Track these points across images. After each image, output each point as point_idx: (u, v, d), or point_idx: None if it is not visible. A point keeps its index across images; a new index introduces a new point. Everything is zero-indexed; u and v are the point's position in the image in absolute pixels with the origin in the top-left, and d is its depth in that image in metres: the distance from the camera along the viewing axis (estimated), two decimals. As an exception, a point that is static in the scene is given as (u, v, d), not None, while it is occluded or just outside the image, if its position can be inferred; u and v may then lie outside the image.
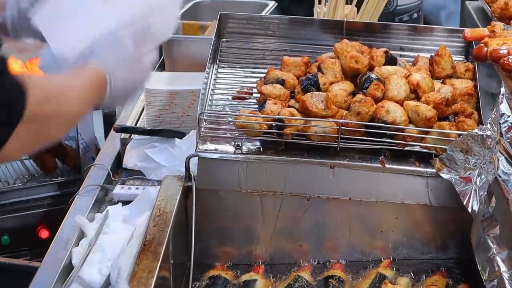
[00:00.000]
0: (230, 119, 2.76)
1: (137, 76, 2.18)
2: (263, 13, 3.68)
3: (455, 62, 2.99)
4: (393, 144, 2.68)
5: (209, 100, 2.87)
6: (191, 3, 3.98)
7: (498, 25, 2.39)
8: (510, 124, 2.45)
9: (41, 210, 4.25)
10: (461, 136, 2.61)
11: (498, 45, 2.20)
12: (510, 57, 2.09)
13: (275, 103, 2.76)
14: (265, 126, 2.70)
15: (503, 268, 2.20)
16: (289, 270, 2.72)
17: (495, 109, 2.58)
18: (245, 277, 2.67)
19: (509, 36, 2.32)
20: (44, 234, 4.19)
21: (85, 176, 3.04)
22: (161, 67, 3.69)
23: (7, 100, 1.78)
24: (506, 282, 2.14)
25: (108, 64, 2.09)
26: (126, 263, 2.34)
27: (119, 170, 3.05)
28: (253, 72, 3.07)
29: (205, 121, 2.74)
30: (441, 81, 2.93)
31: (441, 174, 2.61)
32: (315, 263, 2.76)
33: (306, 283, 2.63)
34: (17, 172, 4.42)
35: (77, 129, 4.09)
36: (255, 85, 2.94)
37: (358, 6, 3.50)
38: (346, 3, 3.57)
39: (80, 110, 2.05)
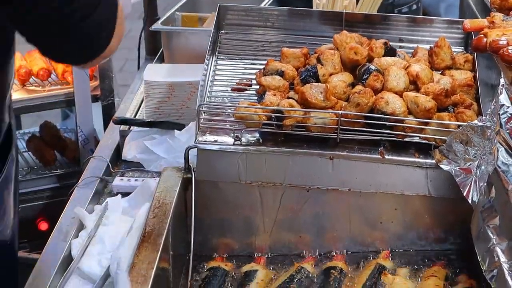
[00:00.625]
0: (229, 110, 2.76)
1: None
2: (262, 5, 3.67)
3: (455, 53, 2.98)
4: (393, 135, 2.68)
5: (208, 92, 2.87)
6: (190, -5, 3.98)
7: (498, 16, 2.39)
8: (510, 115, 2.45)
9: (40, 202, 4.26)
10: (460, 127, 2.61)
11: (498, 36, 2.20)
12: (510, 47, 2.09)
13: (274, 95, 2.75)
14: (264, 118, 2.70)
15: (502, 258, 2.20)
16: (290, 261, 2.72)
17: (494, 100, 2.58)
18: (246, 267, 2.68)
19: (509, 27, 2.31)
20: (43, 226, 4.20)
21: (84, 168, 3.04)
22: (160, 59, 3.69)
23: (111, 5, 2.17)
24: (506, 272, 2.14)
25: None
26: (125, 255, 2.33)
27: (118, 162, 3.05)
28: (252, 64, 3.06)
29: (204, 112, 2.74)
30: (440, 72, 2.93)
31: (441, 165, 2.61)
32: (317, 254, 2.75)
33: (308, 274, 2.63)
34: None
35: (76, 122, 4.10)
36: (254, 76, 2.93)
37: (357, -3, 3.50)
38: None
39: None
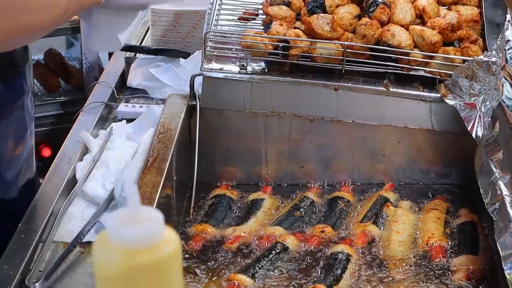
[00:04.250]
0: (235, 39, 2.74)
1: None
2: None
3: (463, -13, 2.97)
4: (398, 68, 2.68)
5: (215, 20, 2.85)
6: None
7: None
8: (516, 50, 2.45)
9: (44, 128, 4.27)
10: (466, 62, 2.61)
11: (508, -32, 2.18)
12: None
13: (281, 24, 2.74)
14: (270, 47, 2.69)
15: (505, 191, 2.21)
16: (296, 191, 2.73)
17: (500, 36, 2.58)
18: (253, 196, 2.68)
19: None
20: (46, 152, 4.21)
21: (89, 94, 3.03)
22: (167, -12, 3.66)
23: None
24: (508, 205, 2.14)
25: None
26: (129, 178, 2.34)
27: (123, 89, 3.05)
28: (259, -7, 3.03)
29: (210, 40, 2.72)
30: (446, 7, 2.91)
31: (446, 100, 2.61)
32: (322, 184, 2.77)
33: (313, 202, 2.64)
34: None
35: (81, 49, 4.08)
36: (261, 6, 2.92)
37: None
38: None
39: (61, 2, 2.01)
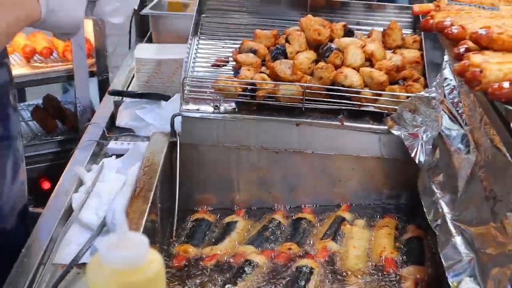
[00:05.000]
0: (209, 83, 2.74)
1: (73, 6, 2.04)
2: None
3: (404, 35, 2.99)
4: (351, 105, 2.69)
5: (191, 67, 2.87)
6: (174, -16, 3.96)
7: (443, 1, 2.39)
8: (452, 87, 2.46)
9: (43, 164, 4.25)
10: (409, 98, 2.62)
11: (443, 17, 2.19)
12: (453, 27, 2.08)
13: (249, 70, 2.75)
14: (240, 89, 2.70)
15: (446, 210, 2.21)
16: (264, 214, 2.74)
17: (439, 74, 2.59)
18: (228, 219, 2.68)
19: (452, 10, 2.31)
20: (45, 185, 4.18)
21: (83, 133, 3.02)
22: (149, 40, 3.67)
23: None
24: (449, 221, 2.15)
25: None
26: (119, 207, 2.31)
27: (112, 128, 3.03)
28: (230, 43, 3.04)
29: (188, 85, 2.73)
30: (392, 51, 2.93)
31: (392, 131, 2.62)
32: (288, 207, 2.77)
33: (279, 223, 2.64)
34: (22, 132, 4.39)
35: (75, 94, 4.07)
36: (231, 54, 2.93)
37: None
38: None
39: (9, 23, 1.87)
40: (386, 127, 2.64)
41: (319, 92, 2.69)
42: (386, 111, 2.67)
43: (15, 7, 1.90)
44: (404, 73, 2.77)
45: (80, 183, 2.55)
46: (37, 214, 2.45)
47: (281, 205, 2.77)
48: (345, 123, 2.67)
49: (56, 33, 2.15)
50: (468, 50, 1.96)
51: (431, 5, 2.40)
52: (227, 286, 2.26)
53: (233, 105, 2.73)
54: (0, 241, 2.16)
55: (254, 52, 2.86)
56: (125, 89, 3.28)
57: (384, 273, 2.36)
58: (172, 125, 2.70)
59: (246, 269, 2.34)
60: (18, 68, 4.30)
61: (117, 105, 3.10)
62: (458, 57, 1.97)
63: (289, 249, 2.46)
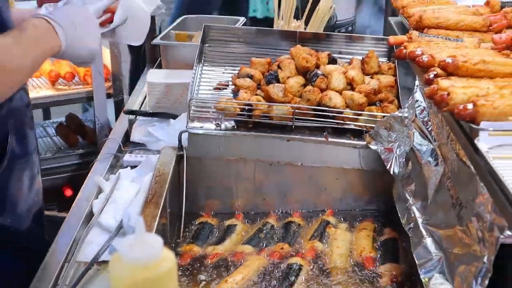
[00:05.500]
0: (212, 104, 2.74)
1: (89, 35, 2.05)
2: (237, 25, 3.66)
3: (381, 62, 2.99)
4: (334, 123, 2.69)
5: (196, 90, 2.86)
6: (181, 18, 3.96)
7: (414, 33, 2.39)
8: (423, 108, 2.47)
9: (66, 174, 4.24)
10: (385, 117, 2.63)
11: (415, 47, 2.20)
12: (423, 56, 2.09)
13: (246, 92, 2.75)
14: (238, 109, 2.70)
15: (417, 214, 2.22)
16: (260, 218, 2.73)
17: (411, 97, 2.60)
18: (228, 222, 2.67)
19: (423, 41, 2.32)
20: (68, 192, 4.17)
21: (101, 148, 3.02)
22: (159, 66, 3.67)
23: None
24: (420, 225, 2.15)
25: (58, 21, 1.94)
26: (134, 211, 2.32)
27: (127, 143, 3.03)
28: (229, 69, 3.04)
29: (193, 105, 2.72)
30: (370, 76, 2.93)
31: (370, 146, 2.63)
32: (279, 212, 2.76)
33: (273, 226, 2.63)
34: (47, 146, 4.41)
35: (94, 113, 4.07)
36: (231, 79, 2.93)
37: (308, 20, 3.49)
38: (297, 19, 3.56)
39: (31, 61, 1.87)
40: (365, 143, 2.64)
41: (307, 112, 2.69)
42: (365, 129, 2.67)
43: (38, 42, 1.90)
44: (380, 96, 2.78)
45: (100, 190, 2.55)
46: (61, 218, 2.45)
47: (274, 210, 2.76)
48: (330, 139, 2.67)
49: (75, 62, 2.16)
50: (436, 76, 1.98)
51: (404, 37, 2.42)
52: (230, 279, 2.26)
53: (233, 123, 2.73)
54: (16, 238, 2.15)
55: (251, 77, 2.86)
56: (138, 109, 3.28)
57: (364, 270, 2.36)
58: (179, 140, 2.70)
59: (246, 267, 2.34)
60: (44, 90, 4.30)
61: (131, 123, 3.10)
62: (428, 82, 1.98)
63: (282, 248, 2.45)
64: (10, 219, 2.10)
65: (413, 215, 2.23)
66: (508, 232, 1.56)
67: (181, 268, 2.34)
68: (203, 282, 2.28)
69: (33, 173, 2.21)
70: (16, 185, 2.11)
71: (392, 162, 2.57)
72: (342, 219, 2.70)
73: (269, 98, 2.70)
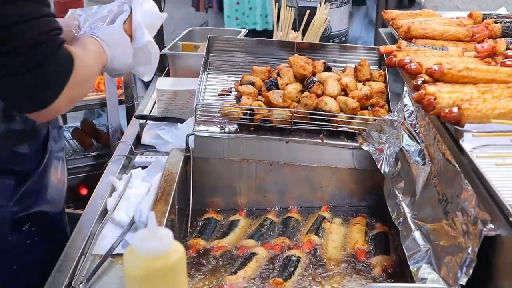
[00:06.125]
0: (216, 109, 2.75)
1: (123, 55, 2.17)
2: (239, 36, 3.66)
3: (372, 70, 2.99)
4: (330, 126, 2.69)
5: (202, 96, 2.86)
6: (188, 30, 3.96)
7: (403, 43, 2.40)
8: (411, 111, 2.47)
9: (81, 175, 4.23)
10: (376, 120, 2.63)
11: (403, 56, 2.21)
12: (412, 64, 2.10)
13: (248, 98, 2.76)
14: (241, 114, 2.71)
15: (406, 210, 2.22)
16: (261, 214, 2.73)
17: (400, 102, 2.61)
18: (232, 217, 2.68)
19: (411, 50, 2.33)
20: (83, 191, 4.16)
21: (114, 150, 3.01)
22: (167, 74, 3.67)
23: (62, 68, 1.81)
24: (409, 219, 2.15)
25: (104, 40, 2.08)
26: (145, 208, 2.33)
27: (138, 145, 3.03)
28: (232, 77, 3.05)
29: (199, 110, 2.73)
30: (362, 83, 2.93)
31: (363, 147, 2.63)
32: (278, 208, 2.76)
33: (272, 221, 2.64)
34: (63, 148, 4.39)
35: (107, 118, 4.07)
36: (234, 86, 2.93)
37: (304, 31, 3.50)
38: (295, 30, 3.57)
39: (97, 73, 2.06)
40: (358, 144, 2.65)
41: (304, 116, 2.69)
42: (357, 131, 2.68)
43: (98, 55, 2.05)
44: (372, 101, 2.78)
45: (113, 189, 2.55)
46: (78, 215, 2.45)
47: (274, 207, 2.76)
48: (325, 141, 2.67)
49: (111, 74, 2.27)
50: (424, 82, 1.99)
51: (393, 47, 2.43)
52: (238, 271, 2.26)
53: (236, 126, 2.73)
54: (52, 221, 2.20)
55: (252, 84, 2.87)
56: (148, 114, 3.28)
57: (357, 261, 2.36)
58: (186, 142, 2.70)
59: (250, 258, 2.34)
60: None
61: (141, 126, 3.10)
62: (416, 88, 1.99)
63: (283, 242, 2.46)
64: (49, 204, 2.15)
65: (402, 210, 2.23)
66: (490, 225, 1.57)
67: (188, 260, 2.34)
68: (209, 272, 2.28)
69: (64, 165, 2.28)
70: (53, 176, 2.17)
71: (382, 161, 2.57)
72: (336, 215, 2.70)
73: (269, 103, 2.70)
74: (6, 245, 2.02)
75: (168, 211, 2.28)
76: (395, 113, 2.61)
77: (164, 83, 3.26)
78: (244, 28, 4.24)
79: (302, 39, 3.47)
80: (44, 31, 1.74)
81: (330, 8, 3.70)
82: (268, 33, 3.52)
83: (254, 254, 2.36)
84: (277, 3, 3.49)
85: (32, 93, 1.78)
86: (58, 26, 1.81)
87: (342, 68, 3.06)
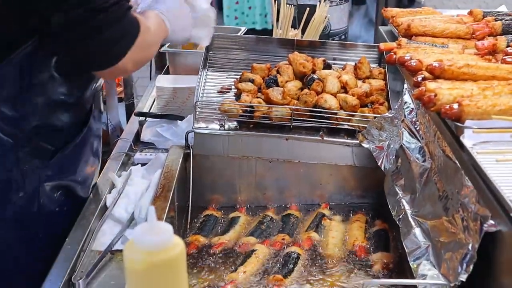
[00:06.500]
0: (216, 106, 2.74)
1: (183, 27, 2.40)
2: (239, 34, 3.66)
3: (372, 68, 3.00)
4: (329, 123, 2.69)
5: (201, 93, 2.86)
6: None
7: (403, 40, 2.40)
8: (411, 109, 2.47)
9: (81, 172, 4.21)
10: (376, 118, 2.63)
11: (404, 53, 2.21)
12: (412, 61, 2.09)
13: (248, 95, 2.75)
14: (240, 111, 2.70)
15: (407, 207, 2.22)
16: (260, 211, 2.72)
17: (400, 99, 2.60)
18: (232, 214, 2.67)
19: (411, 47, 2.33)
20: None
21: (114, 147, 3.01)
22: (167, 72, 3.67)
23: (130, 30, 2.02)
24: (409, 216, 2.15)
25: (165, 14, 2.29)
26: (145, 205, 2.33)
27: (138, 142, 3.02)
28: (232, 74, 3.04)
29: (198, 107, 2.72)
30: (362, 80, 2.93)
31: (363, 144, 2.63)
32: (278, 206, 2.75)
33: (272, 218, 2.63)
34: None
35: (107, 116, 4.05)
36: (233, 83, 2.93)
37: (304, 29, 3.50)
38: (294, 28, 3.57)
39: (158, 42, 2.28)
40: (357, 141, 2.64)
41: (304, 113, 2.69)
42: (357, 129, 2.67)
43: (160, 28, 2.27)
44: (372, 98, 2.78)
45: (112, 186, 2.55)
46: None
47: (273, 204, 2.76)
48: (325, 138, 2.67)
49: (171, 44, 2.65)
50: (424, 79, 1.98)
51: (393, 44, 2.43)
52: (239, 268, 2.25)
53: (235, 123, 2.73)
54: (74, 198, 2.33)
55: (252, 81, 2.86)
56: (148, 111, 3.27)
57: (357, 258, 2.36)
58: (186, 139, 2.70)
59: (251, 255, 2.34)
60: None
61: (141, 124, 3.10)
62: (417, 85, 1.98)
63: (283, 239, 2.45)
64: (80, 179, 2.30)
65: (402, 207, 2.23)
66: (491, 221, 1.56)
67: (188, 257, 2.34)
68: (209, 269, 2.28)
69: (99, 146, 2.44)
70: (88, 153, 2.33)
71: (383, 159, 2.57)
72: (336, 212, 2.70)
73: (269, 101, 2.70)
74: (38, 207, 2.14)
75: (167, 207, 2.27)
76: (395, 111, 2.60)
77: (163, 80, 3.25)
78: (243, 26, 4.24)
79: (302, 37, 3.47)
80: None
81: (330, 6, 3.70)
82: (267, 32, 3.51)
83: (255, 251, 2.35)
84: (276, 1, 3.48)
85: (103, 52, 1.98)
86: None
87: (342, 66, 3.06)
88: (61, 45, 1.97)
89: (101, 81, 2.40)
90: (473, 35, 2.48)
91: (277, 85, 2.80)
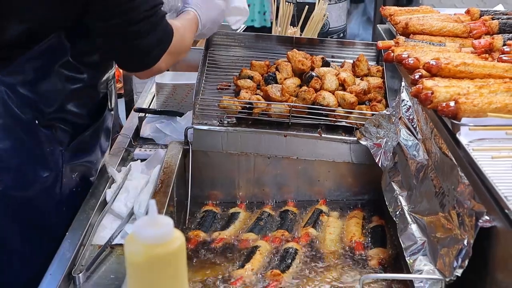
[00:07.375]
0: (215, 103, 2.75)
1: (215, 18, 2.61)
2: (238, 31, 3.66)
3: (370, 65, 3.01)
4: (327, 120, 2.70)
5: (201, 90, 2.87)
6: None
7: (401, 38, 2.41)
8: (408, 106, 2.48)
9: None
10: (374, 115, 2.64)
11: (401, 51, 2.22)
12: (409, 59, 2.10)
13: (247, 92, 2.76)
14: (239, 107, 2.71)
15: (403, 203, 2.23)
16: (259, 207, 2.73)
17: (397, 97, 2.61)
18: (232, 210, 2.68)
19: (409, 46, 2.34)
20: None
21: (114, 142, 3.01)
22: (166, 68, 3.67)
23: (164, 37, 2.21)
24: (406, 212, 2.17)
25: (198, 9, 2.50)
26: (144, 200, 2.34)
27: (137, 138, 3.03)
28: (231, 71, 3.05)
29: (198, 104, 2.73)
30: (360, 78, 2.95)
31: (360, 141, 2.64)
32: (276, 202, 2.77)
33: (270, 215, 2.64)
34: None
35: (107, 112, 4.06)
36: (232, 80, 2.93)
37: (303, 27, 3.51)
38: (293, 25, 3.58)
39: (191, 41, 2.47)
40: (355, 138, 2.66)
41: (303, 110, 2.70)
42: (355, 126, 2.69)
43: (192, 27, 2.48)
44: (369, 95, 2.79)
45: (112, 181, 2.55)
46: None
47: (271, 200, 2.77)
48: (323, 135, 2.68)
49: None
50: (421, 76, 1.99)
51: (391, 42, 2.43)
52: (247, 265, 2.26)
53: (234, 120, 2.73)
54: (87, 180, 2.44)
55: (251, 78, 2.87)
56: (147, 107, 3.28)
57: (354, 254, 2.37)
58: (185, 136, 2.71)
59: (254, 251, 2.35)
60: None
61: (141, 120, 3.10)
62: (414, 82, 2.00)
63: (282, 235, 2.47)
64: (94, 159, 2.42)
65: (399, 203, 2.24)
66: (486, 217, 1.58)
67: (187, 252, 2.34)
68: (210, 264, 2.29)
69: (110, 128, 2.54)
70: (102, 137, 2.45)
71: (380, 156, 2.58)
72: (333, 208, 2.71)
73: (267, 97, 2.71)
74: (60, 188, 2.24)
75: (167, 203, 2.28)
76: (393, 108, 2.62)
77: (163, 77, 3.25)
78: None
79: (301, 35, 3.48)
80: (153, 5, 2.11)
81: (329, 4, 3.72)
82: (266, 30, 3.53)
83: (258, 247, 2.36)
84: (275, -1, 3.50)
85: (141, 57, 2.19)
86: (161, 0, 2.17)
87: (340, 63, 3.07)
88: (101, 46, 2.17)
89: (114, 68, 2.48)
90: (470, 33, 2.49)
91: (276, 82, 2.81)
